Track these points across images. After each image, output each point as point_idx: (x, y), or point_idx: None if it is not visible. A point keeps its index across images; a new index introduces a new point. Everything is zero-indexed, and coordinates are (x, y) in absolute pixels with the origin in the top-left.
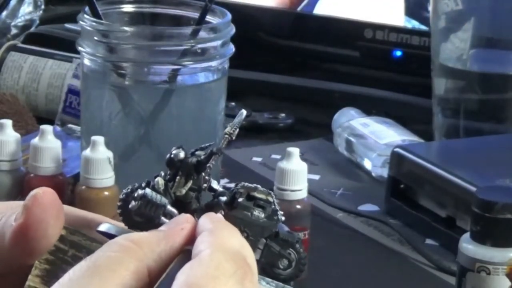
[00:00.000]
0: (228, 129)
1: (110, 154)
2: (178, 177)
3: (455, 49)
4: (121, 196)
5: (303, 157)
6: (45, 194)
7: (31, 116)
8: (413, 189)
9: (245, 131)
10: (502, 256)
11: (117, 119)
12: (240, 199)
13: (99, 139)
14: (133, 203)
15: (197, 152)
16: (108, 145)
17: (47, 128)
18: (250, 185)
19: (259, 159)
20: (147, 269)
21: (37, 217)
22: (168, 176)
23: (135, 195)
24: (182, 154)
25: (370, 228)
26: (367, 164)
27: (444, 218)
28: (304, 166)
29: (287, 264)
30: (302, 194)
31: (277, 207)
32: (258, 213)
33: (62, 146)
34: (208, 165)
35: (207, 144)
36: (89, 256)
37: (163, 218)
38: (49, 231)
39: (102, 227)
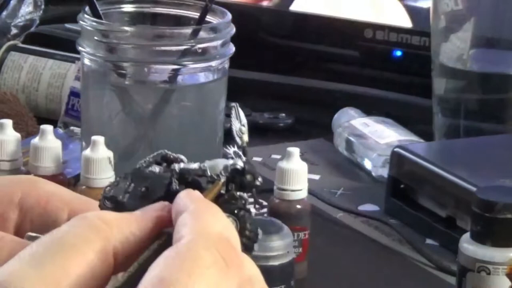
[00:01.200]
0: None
1: (110, 154)
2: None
3: (455, 49)
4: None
5: (303, 157)
6: None
7: (31, 117)
8: (413, 189)
9: None
10: (502, 256)
11: (117, 119)
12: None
13: (99, 139)
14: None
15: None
16: (108, 145)
17: (47, 128)
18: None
19: (259, 159)
20: (113, 250)
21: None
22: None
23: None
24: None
25: (370, 228)
26: (367, 164)
27: (444, 218)
28: (304, 166)
29: None
30: (302, 194)
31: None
32: (153, 169)
33: (64, 148)
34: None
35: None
36: (56, 230)
37: None
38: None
39: None
